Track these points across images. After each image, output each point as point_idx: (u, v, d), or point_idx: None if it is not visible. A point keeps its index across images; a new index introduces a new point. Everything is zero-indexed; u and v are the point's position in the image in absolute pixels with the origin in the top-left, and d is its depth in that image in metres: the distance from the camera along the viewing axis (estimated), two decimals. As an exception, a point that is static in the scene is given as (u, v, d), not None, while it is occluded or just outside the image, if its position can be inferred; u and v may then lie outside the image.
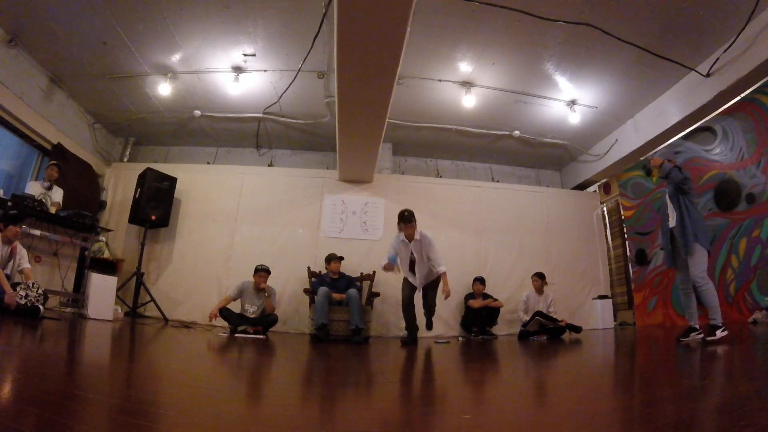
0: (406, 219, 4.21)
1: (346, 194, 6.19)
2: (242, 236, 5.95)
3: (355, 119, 4.44)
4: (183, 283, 5.76)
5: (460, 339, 5.19)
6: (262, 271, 4.87)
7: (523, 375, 2.52)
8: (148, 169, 5.71)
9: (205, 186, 6.21)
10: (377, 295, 5.27)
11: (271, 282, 5.05)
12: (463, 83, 5.08)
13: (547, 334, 5.04)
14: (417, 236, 4.26)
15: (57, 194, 4.93)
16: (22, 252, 3.98)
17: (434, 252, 4.24)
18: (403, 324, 5.31)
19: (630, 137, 5.64)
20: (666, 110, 4.96)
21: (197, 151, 6.93)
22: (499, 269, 6.09)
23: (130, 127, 6.37)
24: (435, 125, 6.02)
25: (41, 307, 3.71)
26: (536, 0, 3.75)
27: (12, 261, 3.91)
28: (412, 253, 4.28)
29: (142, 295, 5.46)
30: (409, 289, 4.36)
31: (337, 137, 4.91)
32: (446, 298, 4.19)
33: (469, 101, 5.20)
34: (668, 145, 5.44)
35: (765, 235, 4.48)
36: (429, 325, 4.50)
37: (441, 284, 4.22)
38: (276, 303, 5.02)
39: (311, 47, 4.35)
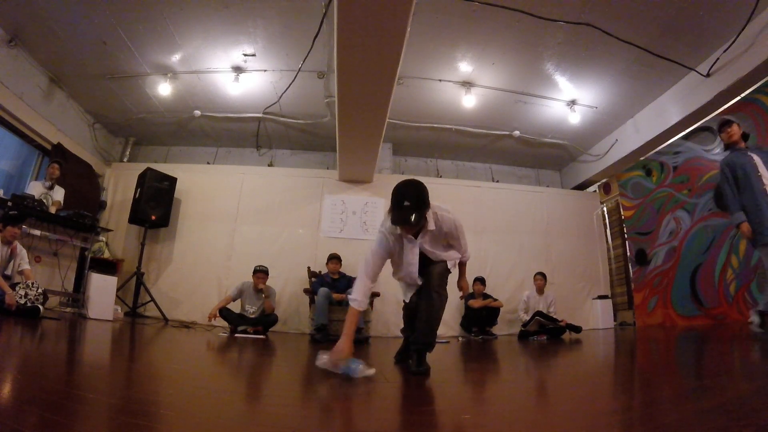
0: (404, 217, 2.03)
1: (346, 194, 6.19)
2: (242, 236, 5.95)
3: (355, 119, 4.43)
4: (183, 283, 5.76)
5: (460, 339, 5.19)
6: (260, 272, 4.87)
7: (523, 375, 2.52)
8: (148, 169, 5.71)
9: (205, 186, 6.21)
10: (377, 295, 5.26)
11: (271, 282, 5.05)
12: (463, 83, 5.08)
13: (547, 334, 5.05)
14: (431, 225, 2.18)
15: (58, 194, 4.93)
16: (22, 253, 3.98)
17: (463, 237, 2.37)
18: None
19: (630, 137, 5.64)
20: (666, 110, 4.96)
21: (197, 151, 6.93)
22: (499, 269, 6.09)
23: (130, 127, 6.37)
24: (435, 125, 6.02)
25: (41, 307, 3.71)
26: (536, 0, 3.75)
27: (12, 262, 3.91)
28: (421, 253, 2.27)
29: (142, 295, 5.46)
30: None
31: (337, 137, 4.91)
32: (463, 296, 2.78)
33: (469, 101, 5.20)
34: (668, 144, 5.44)
35: (765, 235, 4.47)
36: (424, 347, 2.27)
37: (459, 278, 2.56)
38: (275, 303, 5.02)
39: (311, 47, 4.35)
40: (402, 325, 2.69)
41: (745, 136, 3.29)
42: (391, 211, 2.11)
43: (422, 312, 2.24)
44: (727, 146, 3.39)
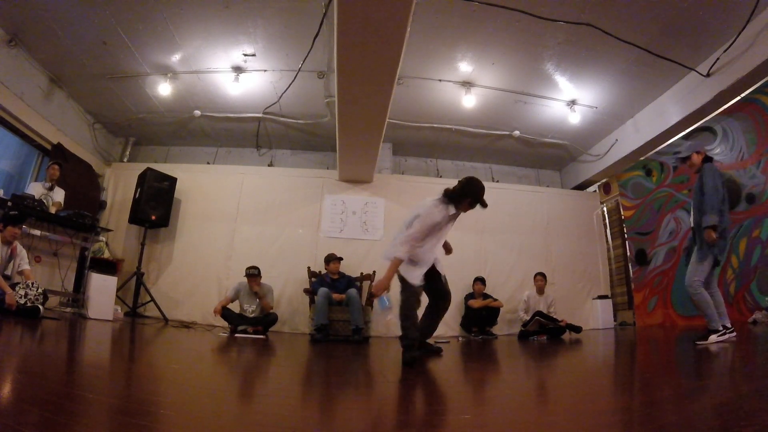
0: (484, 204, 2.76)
1: (346, 194, 6.19)
2: (242, 236, 5.95)
3: (355, 119, 4.43)
4: (183, 283, 5.76)
5: (460, 339, 5.19)
6: (251, 276, 4.79)
7: (523, 375, 2.52)
8: (148, 169, 5.71)
9: (205, 186, 6.21)
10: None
11: (271, 282, 5.04)
12: (463, 83, 5.08)
13: (547, 334, 5.04)
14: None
15: (59, 195, 4.93)
16: (22, 253, 3.97)
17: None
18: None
19: (630, 137, 5.64)
20: (666, 110, 4.96)
21: (197, 151, 6.93)
22: (499, 269, 6.09)
23: (130, 127, 6.37)
24: (435, 125, 6.01)
25: (41, 307, 3.71)
26: (536, 0, 3.75)
27: (12, 262, 3.91)
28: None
29: (142, 295, 5.46)
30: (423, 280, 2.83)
31: (337, 137, 4.91)
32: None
33: (469, 101, 5.20)
34: (668, 144, 5.44)
35: (765, 235, 4.48)
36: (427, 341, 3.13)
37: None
38: (273, 301, 5.00)
39: (311, 47, 4.35)
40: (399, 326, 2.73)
41: (706, 159, 3.38)
42: (476, 195, 2.72)
43: (438, 317, 2.99)
44: (697, 172, 3.46)
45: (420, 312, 2.91)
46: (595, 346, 4.19)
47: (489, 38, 4.29)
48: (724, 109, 4.64)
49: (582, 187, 7.03)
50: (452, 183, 2.84)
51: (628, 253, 6.38)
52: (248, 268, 4.83)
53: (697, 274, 3.19)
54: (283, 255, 5.80)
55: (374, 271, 5.47)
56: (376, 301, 2.56)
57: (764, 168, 4.54)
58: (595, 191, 7.05)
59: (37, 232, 4.56)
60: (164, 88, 5.21)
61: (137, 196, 5.62)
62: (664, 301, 5.68)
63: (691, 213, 3.44)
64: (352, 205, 6.14)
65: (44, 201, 4.68)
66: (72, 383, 1.50)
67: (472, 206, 2.77)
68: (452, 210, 2.77)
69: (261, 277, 4.89)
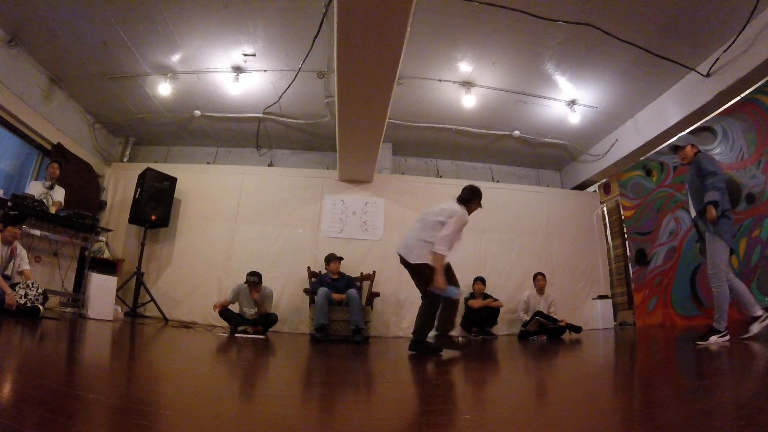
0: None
1: (346, 194, 6.19)
2: (242, 236, 5.95)
3: (355, 119, 4.43)
4: (183, 283, 5.76)
5: (460, 339, 5.19)
6: (251, 284, 4.75)
7: (523, 375, 2.52)
8: (148, 169, 5.71)
9: (205, 186, 6.21)
10: (377, 295, 5.27)
11: (271, 282, 5.03)
12: (463, 83, 5.08)
13: (547, 334, 5.05)
14: None
15: (59, 194, 4.93)
16: (22, 253, 3.97)
17: None
18: (404, 324, 5.36)
19: (630, 137, 5.64)
20: (666, 110, 4.96)
21: (197, 151, 6.93)
22: (499, 269, 6.09)
23: (130, 127, 6.37)
24: (435, 125, 6.01)
25: (41, 307, 3.71)
26: (536, 0, 3.75)
27: (12, 262, 3.90)
28: None
29: (142, 295, 5.46)
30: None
31: (337, 137, 4.91)
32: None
33: (469, 101, 5.20)
34: (668, 144, 5.44)
35: (765, 235, 4.48)
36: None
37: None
38: (271, 307, 4.95)
39: (311, 47, 4.35)
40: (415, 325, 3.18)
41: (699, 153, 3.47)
42: (479, 198, 3.45)
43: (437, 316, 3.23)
44: (683, 165, 3.58)
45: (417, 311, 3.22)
46: (595, 346, 4.19)
47: (489, 38, 4.29)
48: (724, 109, 4.64)
49: (582, 187, 7.03)
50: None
51: (628, 253, 6.37)
52: (249, 275, 4.79)
53: (718, 261, 3.09)
54: (283, 255, 5.80)
55: (374, 271, 5.47)
56: (442, 292, 2.96)
57: (764, 168, 4.54)
58: (595, 191, 7.05)
59: (37, 232, 4.55)
60: (164, 88, 5.21)
61: (137, 196, 5.62)
62: (664, 301, 5.67)
63: (690, 207, 3.43)
64: (352, 205, 6.14)
65: (44, 200, 4.68)
66: (72, 383, 1.50)
67: (478, 206, 3.39)
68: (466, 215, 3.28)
69: (261, 284, 4.86)
